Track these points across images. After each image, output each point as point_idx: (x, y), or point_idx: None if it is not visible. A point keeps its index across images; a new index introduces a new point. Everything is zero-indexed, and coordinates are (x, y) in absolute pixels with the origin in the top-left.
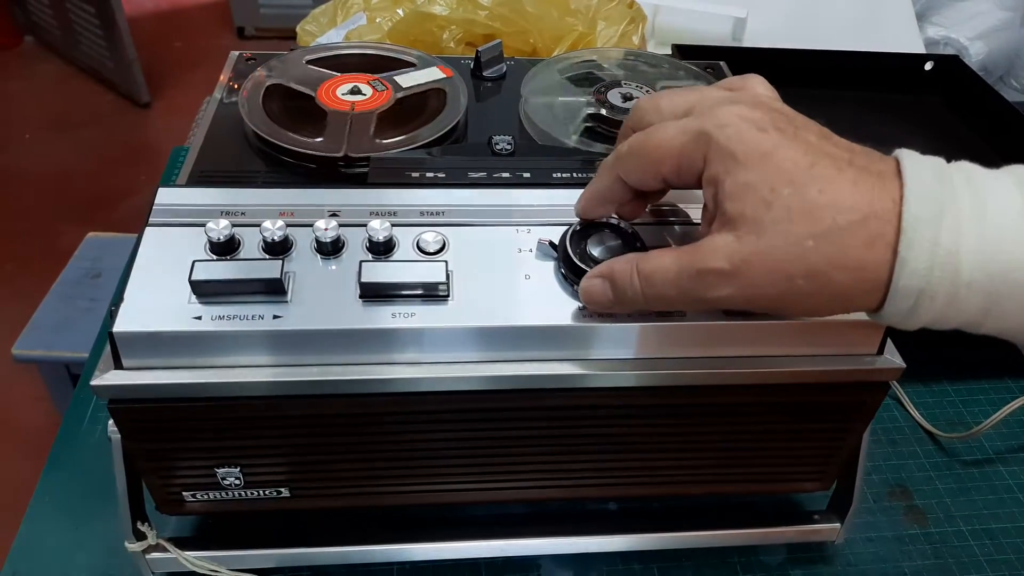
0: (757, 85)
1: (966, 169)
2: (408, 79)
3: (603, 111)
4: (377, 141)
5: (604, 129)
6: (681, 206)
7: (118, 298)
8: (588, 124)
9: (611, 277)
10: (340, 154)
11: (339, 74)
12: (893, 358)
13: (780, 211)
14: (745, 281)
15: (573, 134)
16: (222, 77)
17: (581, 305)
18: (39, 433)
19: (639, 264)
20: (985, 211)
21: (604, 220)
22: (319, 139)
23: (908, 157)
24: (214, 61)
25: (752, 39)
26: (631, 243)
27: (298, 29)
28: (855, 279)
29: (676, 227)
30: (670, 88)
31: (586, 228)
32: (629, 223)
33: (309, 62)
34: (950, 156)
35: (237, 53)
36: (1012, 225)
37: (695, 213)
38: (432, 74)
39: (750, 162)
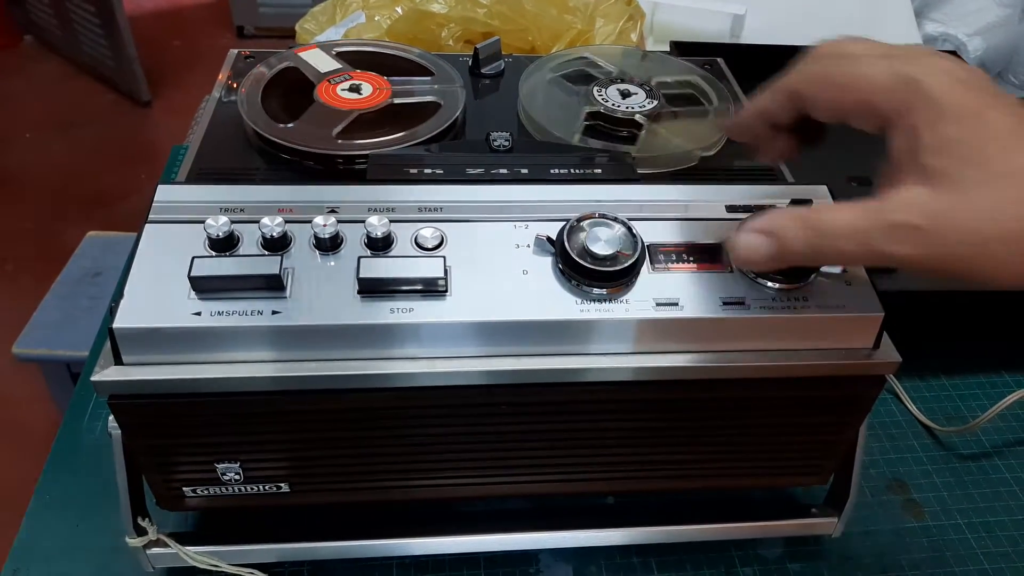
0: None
1: None
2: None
3: (601, 108)
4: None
5: (602, 126)
6: (679, 201)
7: (118, 294)
8: (586, 121)
9: (772, 231)
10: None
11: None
12: (889, 352)
13: (983, 171)
14: (936, 239)
15: (571, 131)
16: (221, 75)
17: (581, 298)
18: (40, 432)
19: (809, 216)
20: None
21: (600, 214)
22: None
23: None
24: (214, 60)
25: (750, 36)
26: (631, 238)
27: (297, 27)
28: None
29: (674, 222)
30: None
31: (581, 223)
32: (626, 218)
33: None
34: None
35: (236, 51)
36: None
37: (693, 209)
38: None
39: (957, 117)
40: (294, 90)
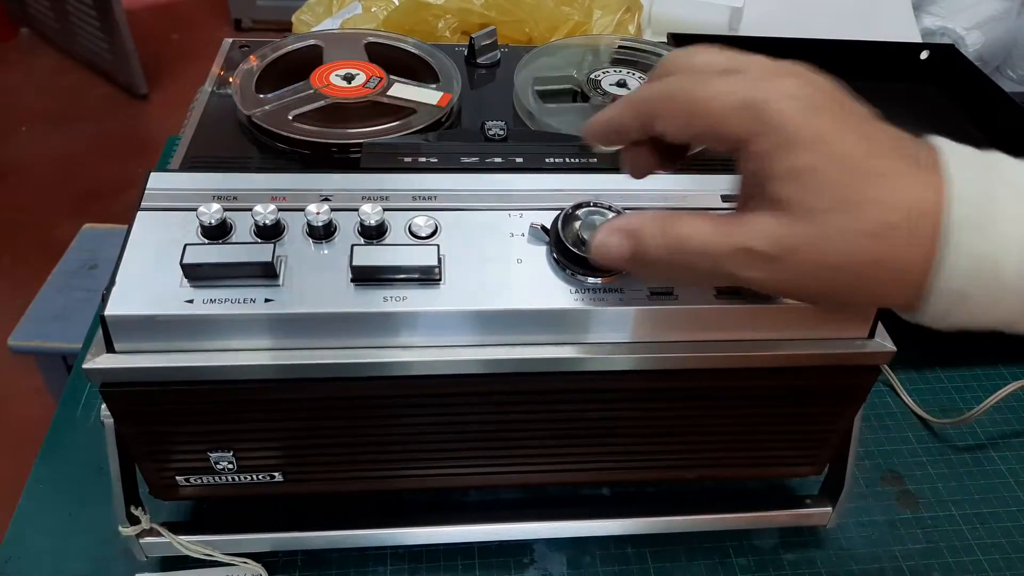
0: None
1: (1005, 165)
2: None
3: (597, 98)
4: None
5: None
6: (674, 190)
7: (110, 282)
8: (582, 110)
9: (634, 233)
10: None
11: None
12: (884, 342)
13: (832, 201)
14: (784, 268)
15: (566, 120)
16: (215, 64)
17: (576, 287)
18: (36, 425)
19: (670, 225)
20: None
21: (595, 203)
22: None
23: (950, 152)
24: (211, 53)
25: (748, 28)
26: None
27: (293, 19)
28: (896, 278)
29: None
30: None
31: (576, 212)
32: (621, 208)
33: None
34: None
35: (230, 40)
36: None
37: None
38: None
39: (804, 144)
40: (289, 78)
